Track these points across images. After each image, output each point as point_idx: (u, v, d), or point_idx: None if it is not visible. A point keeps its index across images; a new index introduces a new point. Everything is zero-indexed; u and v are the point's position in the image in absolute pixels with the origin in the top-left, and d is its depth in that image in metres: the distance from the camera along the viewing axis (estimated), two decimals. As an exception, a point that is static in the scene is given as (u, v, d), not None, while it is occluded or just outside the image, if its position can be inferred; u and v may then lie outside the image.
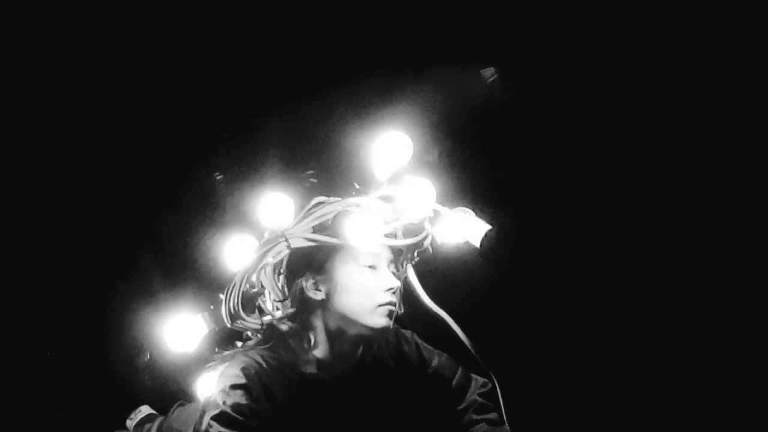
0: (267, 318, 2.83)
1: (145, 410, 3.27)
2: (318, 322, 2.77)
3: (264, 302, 2.86)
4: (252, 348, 2.77)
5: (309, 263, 2.76)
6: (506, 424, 2.90)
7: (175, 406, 3.06)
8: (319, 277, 2.75)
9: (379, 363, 2.87)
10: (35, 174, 3.89)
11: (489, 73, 3.92)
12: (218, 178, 3.04)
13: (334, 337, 2.76)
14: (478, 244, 2.83)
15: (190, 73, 3.88)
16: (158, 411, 3.18)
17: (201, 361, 2.89)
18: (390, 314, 2.74)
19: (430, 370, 2.94)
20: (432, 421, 2.96)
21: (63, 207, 3.90)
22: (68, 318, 3.88)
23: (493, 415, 2.92)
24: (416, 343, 2.95)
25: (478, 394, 2.95)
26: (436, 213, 2.84)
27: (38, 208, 3.90)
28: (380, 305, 2.72)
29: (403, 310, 2.84)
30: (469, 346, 2.84)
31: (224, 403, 2.62)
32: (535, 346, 3.78)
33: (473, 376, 2.98)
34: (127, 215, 3.87)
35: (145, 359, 3.11)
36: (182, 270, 3.45)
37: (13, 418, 3.64)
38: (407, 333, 2.96)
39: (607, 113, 3.88)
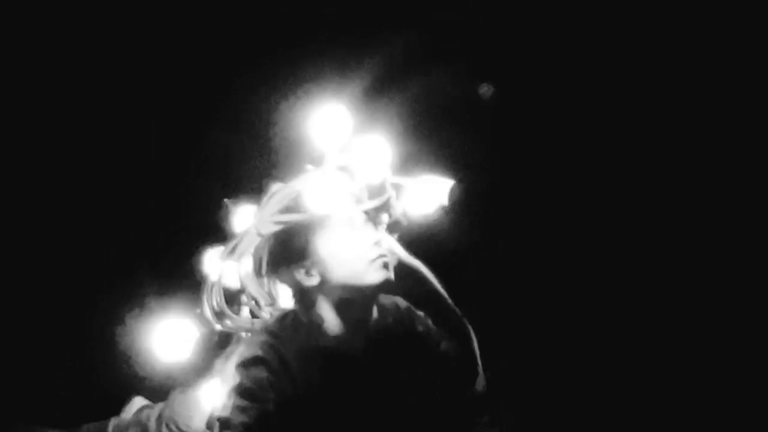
0: (259, 321, 2.87)
1: (138, 402, 3.29)
2: (322, 301, 2.80)
3: (256, 305, 2.90)
4: (267, 326, 2.82)
5: (290, 255, 2.79)
6: (480, 370, 2.90)
7: (174, 393, 3.08)
8: (306, 263, 2.78)
9: (394, 338, 2.90)
10: (33, 174, 3.96)
11: (484, 89, 3.96)
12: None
13: (343, 308, 2.80)
14: (446, 202, 2.86)
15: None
16: (152, 401, 3.22)
17: (198, 368, 2.91)
18: (385, 265, 2.77)
19: (436, 353, 2.95)
20: (438, 403, 2.96)
21: (57, 209, 3.96)
22: (60, 307, 3.95)
23: (497, 409, 2.99)
24: (426, 326, 2.98)
25: (483, 386, 2.95)
26: (399, 186, 2.87)
27: (35, 208, 3.96)
28: (372, 260, 2.75)
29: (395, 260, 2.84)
30: (446, 297, 2.87)
31: (242, 376, 2.67)
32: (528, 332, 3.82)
33: (480, 370, 2.98)
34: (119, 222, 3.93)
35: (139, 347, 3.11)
36: (172, 275, 3.48)
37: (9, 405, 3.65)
38: (420, 314, 2.98)
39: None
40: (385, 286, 2.81)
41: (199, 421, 2.97)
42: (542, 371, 3.74)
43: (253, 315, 2.90)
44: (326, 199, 2.74)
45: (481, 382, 2.96)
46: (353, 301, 2.80)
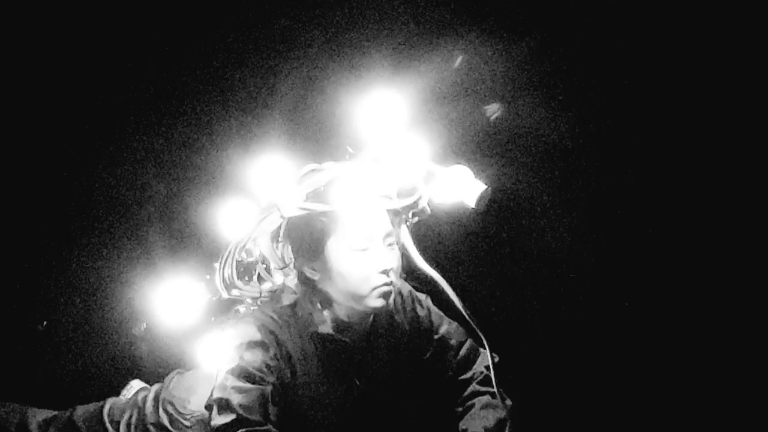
0: (267, 285, 2.84)
1: (136, 385, 3.28)
2: (318, 294, 2.80)
3: (265, 270, 2.86)
4: (267, 307, 2.81)
5: (304, 246, 2.78)
6: (494, 382, 2.90)
7: (172, 374, 3.07)
8: (315, 263, 2.76)
9: (395, 324, 2.91)
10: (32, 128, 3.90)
11: (493, 108, 3.95)
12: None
13: (337, 306, 2.79)
14: (473, 205, 2.82)
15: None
16: (151, 384, 3.18)
17: (199, 332, 2.87)
18: (385, 295, 2.74)
19: (436, 336, 2.96)
20: (437, 386, 2.97)
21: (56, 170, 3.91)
22: (62, 285, 3.89)
23: (498, 389, 2.94)
24: (428, 308, 2.97)
25: (485, 367, 2.96)
26: (431, 172, 2.83)
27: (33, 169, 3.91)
28: (375, 288, 2.72)
29: (403, 277, 2.84)
30: (461, 308, 2.83)
31: (240, 358, 2.68)
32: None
33: (482, 350, 2.98)
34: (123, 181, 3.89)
35: (142, 328, 3.08)
36: (181, 236, 3.45)
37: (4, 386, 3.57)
38: (421, 296, 2.98)
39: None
40: (379, 312, 2.79)
41: (196, 403, 2.94)
42: (546, 371, 3.73)
43: (261, 280, 2.86)
44: (354, 195, 2.72)
45: (483, 363, 2.95)
46: (348, 307, 2.78)
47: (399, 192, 2.82)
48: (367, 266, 2.72)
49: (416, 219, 2.87)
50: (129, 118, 3.92)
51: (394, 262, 2.75)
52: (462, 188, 2.82)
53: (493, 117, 3.94)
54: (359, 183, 2.74)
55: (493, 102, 3.95)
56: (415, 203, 2.82)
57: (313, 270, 2.77)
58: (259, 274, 2.86)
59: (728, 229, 3.85)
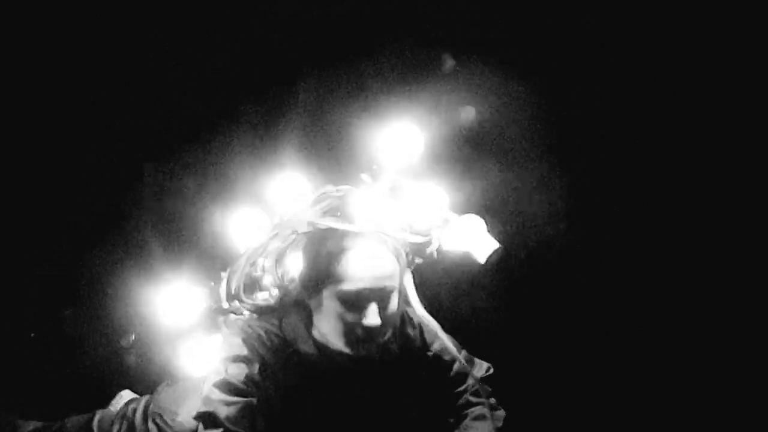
0: (261, 301, 2.83)
1: (126, 395, 3.27)
2: (308, 318, 2.78)
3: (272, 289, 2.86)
4: (258, 319, 2.80)
5: (310, 277, 2.75)
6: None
7: (161, 386, 3.04)
8: (313, 295, 2.74)
9: (384, 347, 2.84)
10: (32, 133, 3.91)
11: (467, 112, 3.98)
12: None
13: (319, 333, 2.77)
14: (482, 261, 2.79)
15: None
16: (141, 395, 3.16)
17: (192, 336, 2.88)
18: (361, 346, 2.71)
19: (430, 353, 2.93)
20: (430, 401, 2.95)
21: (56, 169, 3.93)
22: (50, 293, 3.88)
23: (491, 400, 2.93)
24: (419, 326, 2.94)
25: (479, 378, 2.94)
26: (445, 219, 2.82)
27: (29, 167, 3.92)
28: (353, 340, 2.70)
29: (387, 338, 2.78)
30: (459, 357, 2.87)
31: (226, 371, 2.68)
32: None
33: (476, 360, 2.99)
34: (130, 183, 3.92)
35: (130, 340, 3.08)
36: (185, 240, 3.47)
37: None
38: (413, 308, 2.89)
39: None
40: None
41: (185, 415, 2.91)
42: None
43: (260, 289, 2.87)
44: (367, 215, 2.72)
45: (478, 374, 2.94)
46: (330, 340, 2.76)
47: (413, 230, 2.81)
48: (351, 318, 2.69)
49: (420, 261, 2.84)
50: (136, 123, 3.97)
51: (385, 323, 2.71)
52: (474, 240, 2.79)
53: (464, 121, 3.96)
54: (375, 207, 2.75)
55: (468, 106, 3.97)
56: (425, 245, 2.81)
57: (310, 299, 2.75)
58: (260, 287, 2.86)
59: (724, 236, 3.86)
